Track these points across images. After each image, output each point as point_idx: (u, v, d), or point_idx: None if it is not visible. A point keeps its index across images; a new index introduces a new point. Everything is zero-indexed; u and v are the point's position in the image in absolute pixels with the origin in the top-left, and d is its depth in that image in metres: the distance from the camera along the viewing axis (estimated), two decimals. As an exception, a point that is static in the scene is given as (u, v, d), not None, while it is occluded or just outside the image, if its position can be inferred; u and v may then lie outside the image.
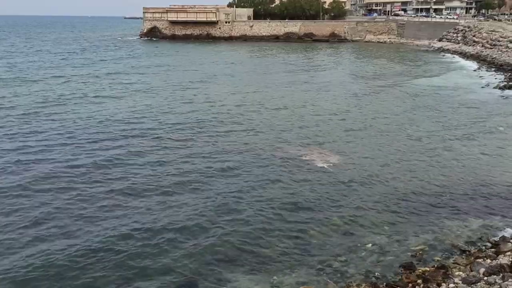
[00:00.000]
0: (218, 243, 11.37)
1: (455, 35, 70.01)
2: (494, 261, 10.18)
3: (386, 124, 23.61)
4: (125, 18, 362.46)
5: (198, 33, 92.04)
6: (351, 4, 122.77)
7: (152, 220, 12.64)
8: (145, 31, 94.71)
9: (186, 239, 11.62)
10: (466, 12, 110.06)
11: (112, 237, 11.63)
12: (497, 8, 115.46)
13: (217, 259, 10.75)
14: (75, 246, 11.28)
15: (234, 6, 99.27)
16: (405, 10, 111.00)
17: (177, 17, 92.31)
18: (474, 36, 62.20)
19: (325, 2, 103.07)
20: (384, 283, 9.90)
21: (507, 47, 50.05)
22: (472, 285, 8.86)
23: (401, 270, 10.37)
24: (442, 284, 9.33)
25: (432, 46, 69.36)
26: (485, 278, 9.04)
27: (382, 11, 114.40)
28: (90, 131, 21.40)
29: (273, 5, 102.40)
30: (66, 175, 15.89)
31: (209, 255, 10.90)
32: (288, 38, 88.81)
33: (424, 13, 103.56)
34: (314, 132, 21.87)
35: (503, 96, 30.69)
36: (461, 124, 23.56)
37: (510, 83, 34.63)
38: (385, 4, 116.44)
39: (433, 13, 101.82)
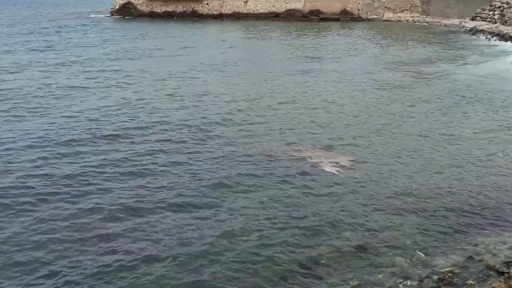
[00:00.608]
0: (211, 263, 11.48)
1: (491, 12, 70.28)
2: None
3: (412, 122, 23.68)
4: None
5: (182, 10, 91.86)
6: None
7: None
8: (117, 7, 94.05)
9: (175, 260, 11.77)
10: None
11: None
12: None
13: (214, 278, 10.93)
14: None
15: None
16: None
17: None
18: (514, 14, 62.48)
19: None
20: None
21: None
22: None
23: (426, 297, 10.27)
24: (476, 312, 9.19)
25: (464, 26, 69.57)
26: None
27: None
28: (53, 131, 21.43)
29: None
30: (21, 186, 15.88)
31: (206, 275, 11.12)
32: (290, 16, 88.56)
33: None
34: (324, 132, 22.00)
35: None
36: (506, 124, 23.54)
37: None
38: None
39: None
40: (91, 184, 16.13)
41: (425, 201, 15.04)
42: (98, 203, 14.76)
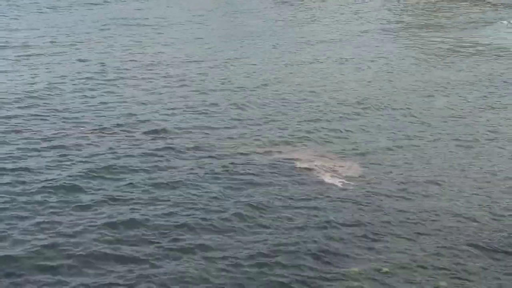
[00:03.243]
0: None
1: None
2: None
3: (449, 118, 19.07)
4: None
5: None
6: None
7: None
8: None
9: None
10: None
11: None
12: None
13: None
14: None
15: None
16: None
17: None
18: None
19: None
20: None
21: None
22: None
23: None
24: None
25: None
26: None
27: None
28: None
29: None
30: None
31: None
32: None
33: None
34: (324, 128, 17.75)
35: None
36: None
37: None
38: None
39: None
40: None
41: (457, 227, 12.45)
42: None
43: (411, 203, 13.32)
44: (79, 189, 13.37)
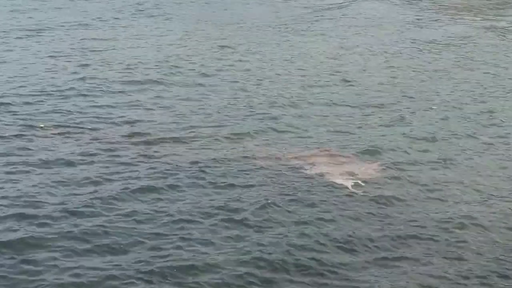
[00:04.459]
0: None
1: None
2: None
3: (483, 118, 16.96)
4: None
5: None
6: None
7: None
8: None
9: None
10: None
11: None
12: None
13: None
14: None
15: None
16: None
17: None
18: None
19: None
20: None
21: None
22: None
23: None
24: None
25: None
26: None
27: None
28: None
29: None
30: None
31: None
32: None
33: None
34: (338, 124, 16.17)
35: None
36: None
37: None
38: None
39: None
40: None
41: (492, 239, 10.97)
42: None
43: (429, 207, 11.94)
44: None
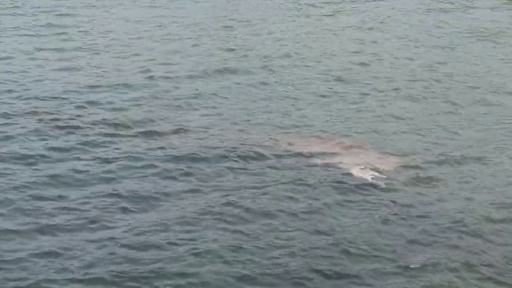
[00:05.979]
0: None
1: None
2: None
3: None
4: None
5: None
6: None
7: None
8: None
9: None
10: None
11: None
12: None
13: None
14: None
15: None
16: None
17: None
18: None
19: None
20: None
21: None
22: None
23: None
24: None
25: None
26: None
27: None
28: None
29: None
30: None
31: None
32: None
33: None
34: (356, 113, 15.59)
35: None
36: None
37: None
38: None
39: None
40: None
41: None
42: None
43: (445, 205, 11.25)
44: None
